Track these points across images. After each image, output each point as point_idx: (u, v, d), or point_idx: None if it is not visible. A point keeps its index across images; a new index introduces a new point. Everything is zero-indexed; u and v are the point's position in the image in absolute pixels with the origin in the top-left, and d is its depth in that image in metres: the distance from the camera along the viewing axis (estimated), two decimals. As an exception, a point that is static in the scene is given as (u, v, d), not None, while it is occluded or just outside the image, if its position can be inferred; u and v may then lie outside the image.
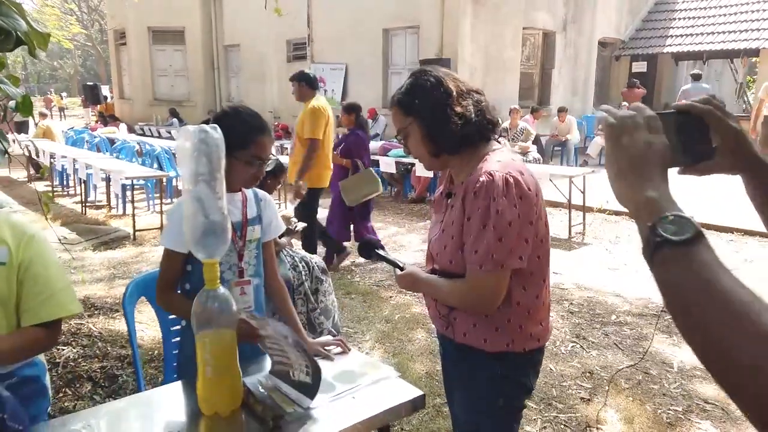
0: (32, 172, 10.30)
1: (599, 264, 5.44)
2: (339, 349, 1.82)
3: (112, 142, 11.75)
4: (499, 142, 1.61)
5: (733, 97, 15.17)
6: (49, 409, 1.78)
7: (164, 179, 7.65)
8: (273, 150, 4.50)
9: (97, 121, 18.25)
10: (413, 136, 1.57)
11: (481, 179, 1.44)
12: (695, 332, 0.59)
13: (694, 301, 0.60)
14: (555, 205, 6.97)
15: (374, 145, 9.22)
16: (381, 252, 1.79)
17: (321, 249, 5.28)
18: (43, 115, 12.50)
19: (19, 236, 1.54)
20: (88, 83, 21.71)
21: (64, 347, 3.43)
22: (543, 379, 3.15)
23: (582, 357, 3.52)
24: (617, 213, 7.25)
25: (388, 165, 8.50)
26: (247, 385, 1.53)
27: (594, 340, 3.75)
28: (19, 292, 1.53)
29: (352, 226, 5.49)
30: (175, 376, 1.96)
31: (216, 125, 1.47)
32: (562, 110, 11.33)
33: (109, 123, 16.52)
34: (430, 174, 7.76)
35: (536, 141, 10.22)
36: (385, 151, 8.80)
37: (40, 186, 9.47)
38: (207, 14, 17.07)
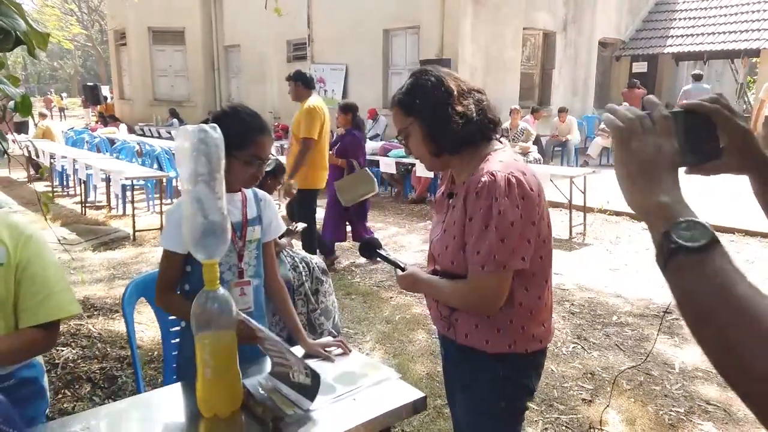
0: (32, 172, 10.29)
1: (600, 264, 5.43)
2: (339, 351, 1.81)
3: (112, 142, 11.74)
4: (501, 142, 1.60)
5: (733, 97, 15.14)
6: (48, 410, 1.77)
7: (164, 179, 7.64)
8: (273, 150, 4.50)
9: (97, 122, 18.25)
10: (414, 136, 1.56)
11: (483, 179, 1.43)
12: (711, 339, 0.59)
13: (710, 308, 0.59)
14: (556, 205, 6.95)
15: (375, 145, 9.23)
16: (382, 252, 1.78)
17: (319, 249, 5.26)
18: (42, 116, 12.49)
19: (16, 236, 1.53)
20: (88, 84, 21.74)
21: (63, 348, 3.42)
22: (544, 380, 3.14)
23: (583, 358, 3.50)
24: (618, 213, 7.24)
25: (388, 165, 8.49)
26: (246, 386, 1.51)
27: (595, 341, 3.73)
28: (16, 293, 1.52)
29: (349, 227, 5.48)
30: (175, 377, 1.95)
31: (215, 125, 1.46)
32: (562, 110, 11.32)
33: (109, 123, 16.52)
34: (431, 174, 7.75)
35: (537, 141, 10.20)
36: (385, 152, 8.79)
37: (40, 186, 9.46)
38: (207, 14, 17.07)
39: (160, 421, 1.47)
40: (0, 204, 7.66)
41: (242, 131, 1.71)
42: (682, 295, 0.62)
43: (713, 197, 6.79)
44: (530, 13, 12.37)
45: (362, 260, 5.37)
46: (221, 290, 1.41)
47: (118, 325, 3.78)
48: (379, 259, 1.78)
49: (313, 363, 1.75)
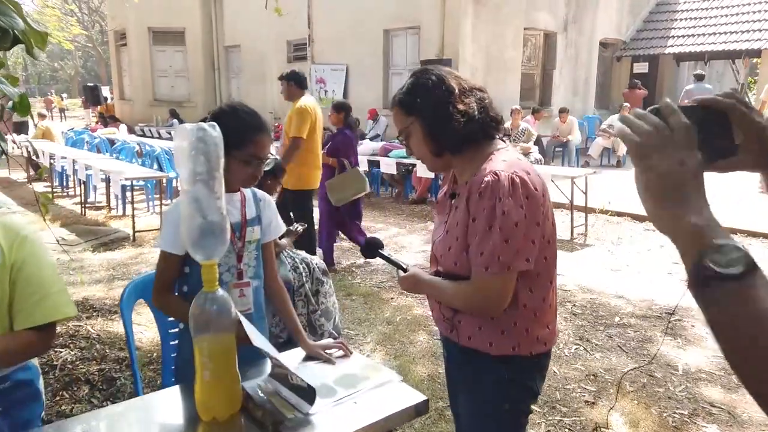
0: (32, 173, 10.28)
1: (602, 265, 5.41)
2: (340, 352, 1.79)
3: (112, 142, 11.72)
4: (504, 141, 1.58)
5: (734, 97, 15.12)
6: (43, 414, 1.74)
7: (164, 180, 7.62)
8: (273, 150, 4.49)
9: (97, 122, 18.24)
10: (415, 135, 1.54)
11: (486, 179, 1.40)
12: (753, 368, 0.55)
13: (753, 336, 0.55)
14: (557, 206, 6.92)
15: (375, 145, 9.21)
16: (384, 253, 1.75)
17: (320, 250, 5.24)
18: (42, 116, 12.48)
19: (12, 237, 1.51)
20: (89, 84, 21.74)
21: (61, 349, 3.39)
22: (547, 382, 3.10)
23: (586, 359, 3.48)
24: (619, 214, 7.22)
25: (388, 166, 8.47)
26: (246, 389, 1.49)
27: (598, 343, 3.71)
28: (11, 294, 1.49)
29: (341, 227, 5.44)
30: (173, 379, 1.92)
31: (214, 123, 1.43)
32: (563, 111, 11.30)
33: (109, 124, 16.50)
34: (431, 175, 7.73)
35: (537, 142, 10.19)
36: (386, 152, 8.77)
37: (40, 187, 9.44)
38: (207, 15, 17.06)
39: (158, 424, 1.45)
40: (-1, 204, 7.64)
41: (241, 130, 1.69)
42: (719, 322, 0.58)
43: (713, 197, 6.75)
44: (531, 13, 12.35)
45: (363, 261, 5.34)
46: (220, 291, 1.38)
47: (117, 326, 3.76)
48: (380, 259, 1.76)
49: (313, 365, 1.73)
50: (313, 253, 4.72)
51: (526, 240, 1.39)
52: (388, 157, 8.57)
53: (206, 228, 1.37)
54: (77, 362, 3.27)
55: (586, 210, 6.52)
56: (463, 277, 1.48)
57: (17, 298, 1.50)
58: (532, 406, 1.69)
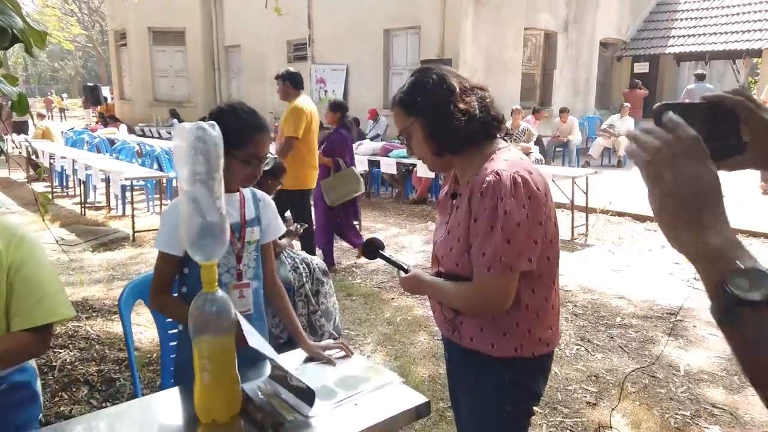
0: (31, 173, 10.27)
1: (603, 265, 5.39)
2: (341, 353, 1.77)
3: (111, 142, 11.71)
4: (505, 140, 1.57)
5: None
6: (41, 416, 1.73)
7: (164, 180, 7.62)
8: (272, 149, 4.47)
9: (97, 122, 18.22)
10: (416, 135, 1.53)
11: (487, 179, 1.39)
12: None
13: None
14: (557, 206, 6.82)
15: (375, 145, 9.19)
16: (385, 253, 1.74)
17: (320, 251, 5.23)
18: (41, 116, 12.47)
19: (8, 237, 1.49)
20: (89, 84, 21.72)
21: (60, 350, 3.38)
22: (548, 383, 3.09)
23: (587, 360, 3.46)
24: (620, 214, 7.19)
25: (389, 166, 8.46)
26: (246, 391, 1.48)
27: (599, 343, 3.69)
28: (9, 295, 1.48)
29: (337, 227, 5.42)
30: (173, 380, 1.91)
31: (214, 122, 1.42)
32: (563, 111, 11.29)
33: (109, 124, 16.48)
34: (432, 175, 7.72)
35: (538, 142, 10.17)
36: (386, 152, 8.76)
37: (40, 187, 9.42)
38: (207, 15, 17.04)
39: (157, 426, 1.44)
40: (-1, 204, 7.63)
41: (240, 129, 1.67)
42: (744, 347, 0.57)
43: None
44: (531, 14, 12.34)
45: (363, 261, 5.33)
46: (219, 292, 1.37)
47: (117, 327, 3.74)
48: (381, 259, 1.75)
49: (314, 366, 1.72)
50: (313, 253, 4.71)
51: (529, 240, 1.38)
52: (389, 157, 8.56)
53: (205, 228, 1.35)
54: (76, 363, 3.25)
55: (587, 210, 6.51)
56: (464, 278, 1.46)
57: (15, 299, 1.48)
58: (534, 408, 1.68)
